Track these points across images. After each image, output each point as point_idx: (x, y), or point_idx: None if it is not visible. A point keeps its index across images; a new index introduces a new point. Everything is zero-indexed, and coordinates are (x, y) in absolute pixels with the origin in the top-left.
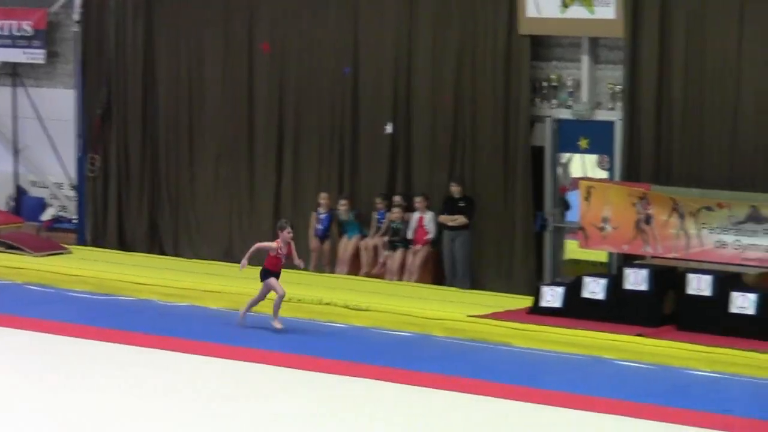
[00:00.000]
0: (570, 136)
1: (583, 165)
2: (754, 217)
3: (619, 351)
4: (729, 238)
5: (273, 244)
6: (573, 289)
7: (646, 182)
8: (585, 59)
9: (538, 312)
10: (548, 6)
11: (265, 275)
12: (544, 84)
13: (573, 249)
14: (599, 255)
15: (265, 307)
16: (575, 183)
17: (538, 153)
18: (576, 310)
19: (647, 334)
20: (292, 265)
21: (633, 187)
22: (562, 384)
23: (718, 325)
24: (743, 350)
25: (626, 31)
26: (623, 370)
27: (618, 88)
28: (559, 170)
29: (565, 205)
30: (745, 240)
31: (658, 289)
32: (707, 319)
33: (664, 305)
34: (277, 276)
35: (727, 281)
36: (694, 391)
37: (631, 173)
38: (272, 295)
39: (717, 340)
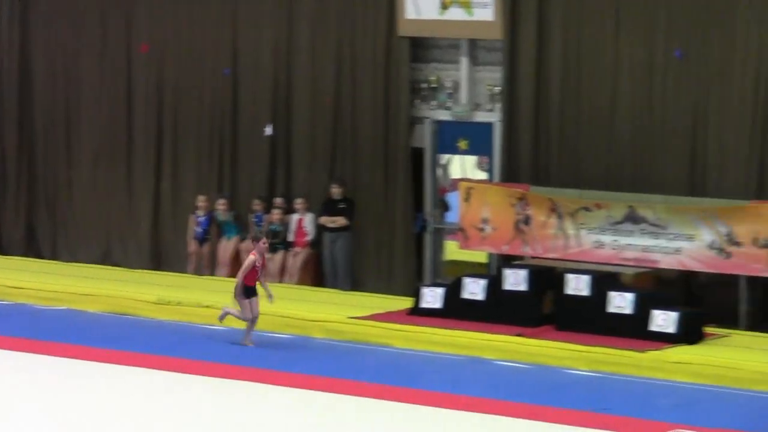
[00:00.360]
0: (449, 138)
1: (462, 166)
2: (632, 218)
3: (498, 351)
4: (607, 238)
5: (251, 258)
6: (453, 290)
7: (525, 183)
8: (464, 61)
9: (418, 313)
10: (427, 8)
11: (242, 291)
12: (424, 85)
13: (453, 250)
14: (479, 256)
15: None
16: (455, 184)
17: (417, 154)
18: (456, 310)
19: (526, 334)
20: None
21: (512, 188)
22: (441, 384)
23: (597, 324)
24: (621, 349)
25: (504, 32)
26: (503, 370)
27: (497, 89)
28: (439, 171)
29: (445, 207)
30: (623, 240)
31: (537, 290)
32: (585, 319)
33: (543, 305)
34: (254, 290)
35: (605, 281)
36: (573, 391)
37: (510, 174)
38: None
39: (595, 339)
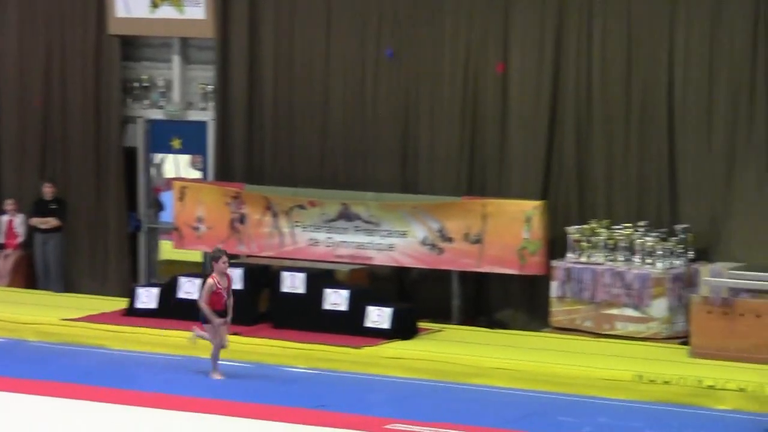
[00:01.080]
0: (163, 137)
1: (176, 165)
2: (345, 215)
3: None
4: (321, 235)
5: (210, 281)
6: (168, 290)
7: (239, 182)
8: (176, 59)
9: (133, 314)
10: (138, 6)
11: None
12: (136, 84)
13: (168, 249)
14: (194, 255)
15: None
16: (169, 183)
17: (131, 154)
18: (171, 310)
19: (243, 333)
20: None
21: (226, 186)
22: (157, 385)
23: (313, 321)
24: (337, 346)
25: (216, 31)
26: (221, 368)
27: (210, 88)
28: (153, 171)
29: (159, 206)
30: (337, 237)
31: (253, 288)
32: (301, 316)
33: (259, 304)
34: (223, 315)
35: (320, 278)
36: (290, 388)
37: (225, 173)
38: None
39: (311, 336)
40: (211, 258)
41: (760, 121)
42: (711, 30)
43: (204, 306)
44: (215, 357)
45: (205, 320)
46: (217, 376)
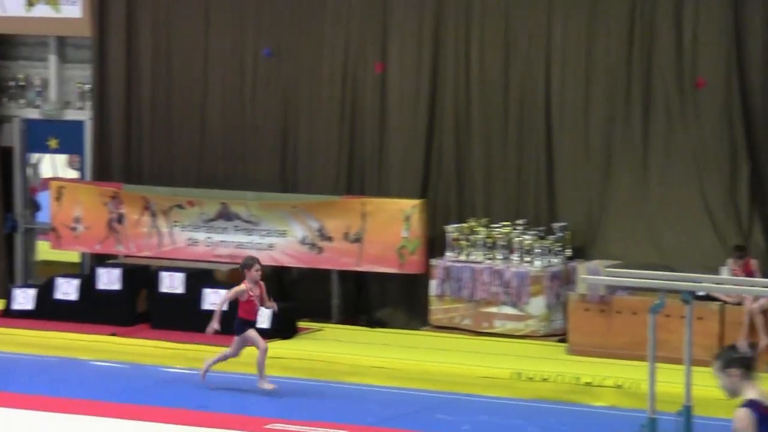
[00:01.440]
0: (39, 136)
1: (53, 165)
2: (225, 214)
3: (93, 351)
4: (201, 235)
5: (241, 287)
6: (45, 291)
7: (117, 181)
8: (53, 58)
9: (9, 315)
10: (13, 4)
11: (241, 327)
12: (12, 83)
13: (45, 250)
14: (72, 255)
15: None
16: (45, 183)
17: (6, 154)
18: (49, 311)
19: (121, 334)
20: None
21: (104, 186)
22: (36, 387)
23: (192, 321)
24: (216, 346)
25: (93, 30)
26: (99, 370)
27: (87, 87)
28: (29, 171)
29: (36, 206)
30: (217, 237)
31: (132, 288)
32: (180, 317)
33: (138, 304)
34: (254, 325)
35: (199, 278)
36: (170, 389)
37: (103, 173)
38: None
39: (191, 336)
40: (243, 266)
41: (636, 121)
42: (587, 31)
43: (220, 307)
44: (215, 362)
45: (240, 331)
46: (267, 386)
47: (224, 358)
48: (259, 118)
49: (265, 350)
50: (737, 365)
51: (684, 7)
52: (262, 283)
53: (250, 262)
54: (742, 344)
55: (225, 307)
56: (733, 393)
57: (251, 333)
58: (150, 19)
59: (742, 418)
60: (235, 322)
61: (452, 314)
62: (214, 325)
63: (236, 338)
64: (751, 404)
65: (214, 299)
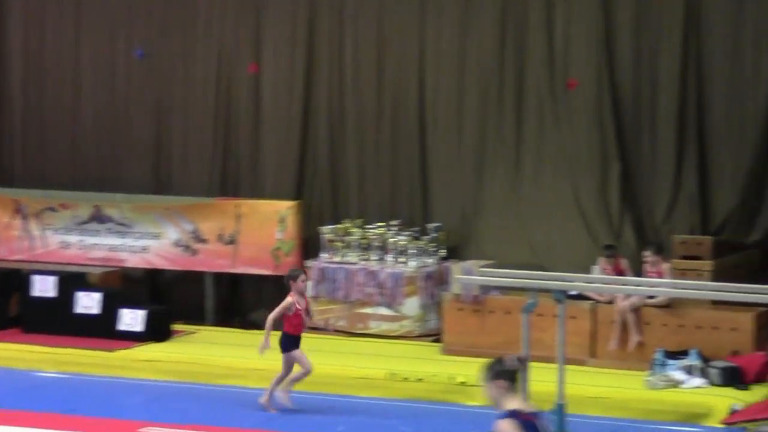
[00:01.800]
0: None
1: None
2: (98, 217)
3: None
4: (73, 238)
5: (288, 300)
6: None
7: None
8: None
9: None
10: None
11: (287, 344)
12: None
13: None
14: None
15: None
16: None
17: None
18: None
19: None
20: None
21: None
22: None
23: (65, 325)
24: (89, 349)
25: None
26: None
27: None
28: None
29: None
30: (89, 239)
31: (3, 292)
32: (53, 320)
33: (10, 308)
34: (299, 342)
35: (72, 281)
36: (42, 393)
37: None
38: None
39: (63, 340)
40: (288, 278)
41: (509, 121)
42: (460, 32)
43: (269, 326)
44: (275, 386)
45: (286, 348)
46: (285, 402)
47: (279, 380)
48: (132, 120)
49: (308, 374)
50: (505, 378)
51: (555, 8)
52: (306, 295)
53: (295, 274)
54: (510, 358)
55: (270, 322)
56: (498, 403)
57: (297, 354)
58: (21, 17)
59: (506, 428)
60: (281, 337)
61: (327, 315)
62: (266, 344)
63: (284, 356)
64: (513, 414)
65: (86, 302)
